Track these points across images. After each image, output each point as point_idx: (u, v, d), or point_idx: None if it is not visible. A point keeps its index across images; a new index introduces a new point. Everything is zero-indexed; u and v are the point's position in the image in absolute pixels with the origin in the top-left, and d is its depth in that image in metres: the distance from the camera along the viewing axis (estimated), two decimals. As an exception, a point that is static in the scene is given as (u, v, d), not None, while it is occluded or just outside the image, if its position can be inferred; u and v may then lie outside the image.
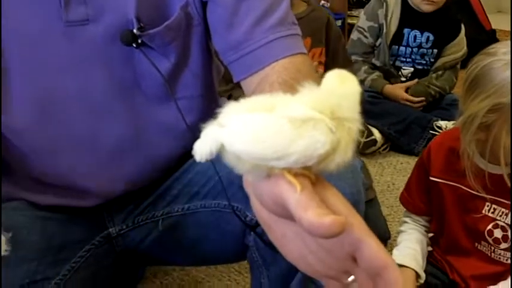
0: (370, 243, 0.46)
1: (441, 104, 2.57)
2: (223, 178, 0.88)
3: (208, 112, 0.94)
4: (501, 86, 1.11)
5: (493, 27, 3.81)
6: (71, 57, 0.82)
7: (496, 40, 3.76)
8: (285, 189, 0.46)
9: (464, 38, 2.62)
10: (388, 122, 2.45)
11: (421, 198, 1.37)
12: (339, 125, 0.47)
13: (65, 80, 0.83)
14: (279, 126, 0.46)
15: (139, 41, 0.82)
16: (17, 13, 0.79)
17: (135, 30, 0.81)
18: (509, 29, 3.75)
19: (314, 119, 0.47)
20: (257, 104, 0.49)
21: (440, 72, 2.59)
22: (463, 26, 2.62)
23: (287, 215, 0.47)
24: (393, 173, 2.29)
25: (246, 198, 0.87)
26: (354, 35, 2.66)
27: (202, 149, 0.49)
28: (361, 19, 2.66)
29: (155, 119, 0.89)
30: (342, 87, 0.49)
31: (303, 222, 0.44)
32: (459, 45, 2.60)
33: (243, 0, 0.82)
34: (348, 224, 0.45)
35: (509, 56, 1.13)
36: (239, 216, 0.88)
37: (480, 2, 3.80)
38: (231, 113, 0.49)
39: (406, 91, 2.55)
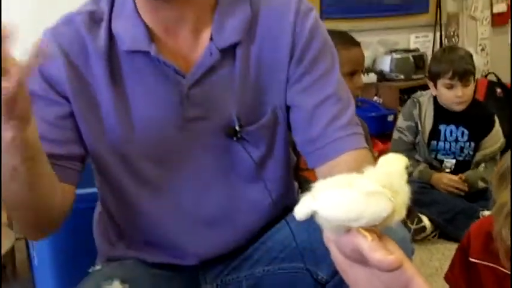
0: (419, 281, 0.66)
1: (486, 195, 2.71)
2: (298, 245, 1.09)
3: (287, 190, 1.17)
4: None
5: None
6: (186, 145, 1.07)
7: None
8: (360, 239, 0.67)
9: (500, 129, 2.80)
10: (436, 210, 2.62)
11: (462, 277, 1.52)
12: (395, 195, 0.69)
13: (179, 163, 1.08)
14: (357, 198, 0.68)
15: (239, 135, 1.07)
16: (145, 108, 1.05)
17: (236, 127, 1.06)
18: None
19: (379, 192, 0.68)
20: (339, 182, 0.72)
21: (483, 165, 2.77)
22: (497, 119, 2.80)
23: (361, 260, 0.68)
24: (441, 259, 2.42)
25: (316, 261, 1.08)
26: (395, 135, 2.88)
27: (301, 212, 0.71)
28: (399, 119, 2.89)
29: (246, 195, 1.12)
30: (392, 168, 0.70)
31: (373, 260, 0.65)
32: (496, 137, 2.79)
33: (319, 107, 1.06)
34: (403, 264, 0.65)
35: None
36: (312, 276, 1.08)
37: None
38: (321, 188, 0.72)
39: None
